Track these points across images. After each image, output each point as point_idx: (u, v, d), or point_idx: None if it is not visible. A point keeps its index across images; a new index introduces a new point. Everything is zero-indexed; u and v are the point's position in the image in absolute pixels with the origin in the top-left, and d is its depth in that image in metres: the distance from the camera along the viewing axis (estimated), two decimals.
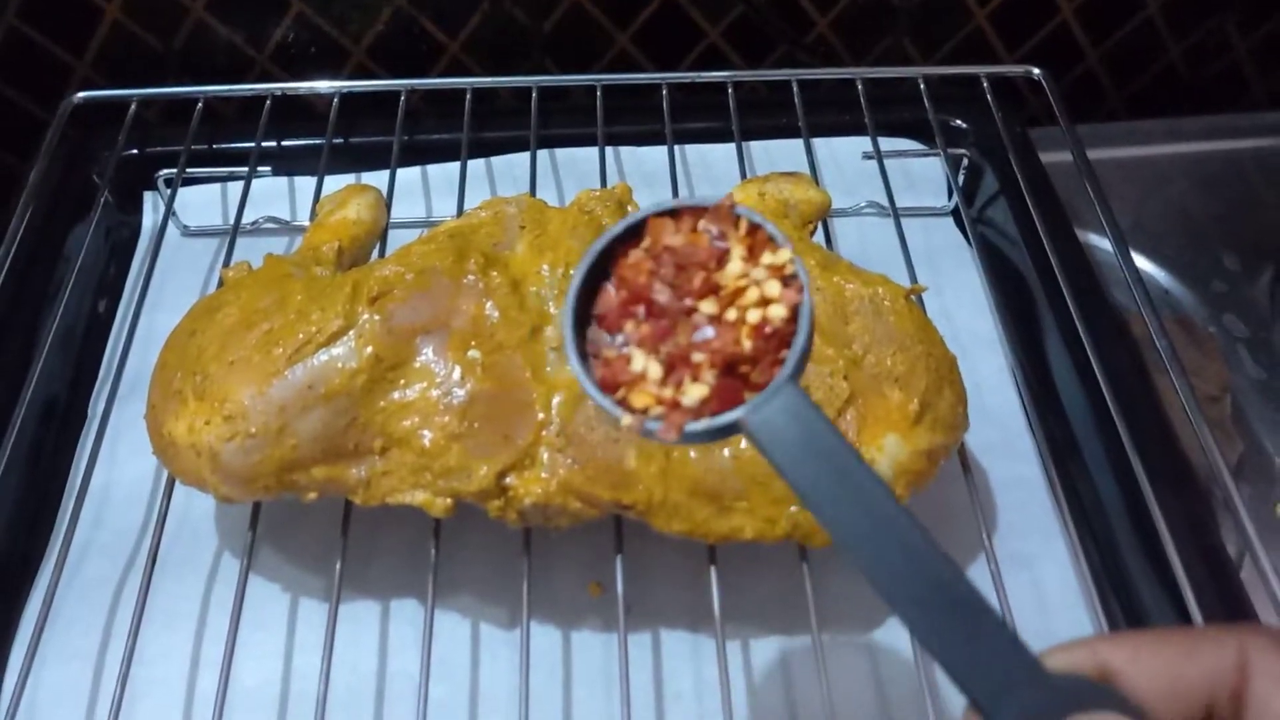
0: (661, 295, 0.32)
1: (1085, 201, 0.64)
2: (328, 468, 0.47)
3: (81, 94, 0.66)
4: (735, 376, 0.31)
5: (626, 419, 0.31)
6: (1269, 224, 0.75)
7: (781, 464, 0.30)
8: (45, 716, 0.49)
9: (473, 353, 0.47)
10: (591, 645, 0.52)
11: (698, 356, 0.31)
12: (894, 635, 0.52)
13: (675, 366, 0.31)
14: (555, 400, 0.47)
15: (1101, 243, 0.72)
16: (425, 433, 0.46)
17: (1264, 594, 0.48)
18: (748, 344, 0.31)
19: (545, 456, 0.46)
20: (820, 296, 0.50)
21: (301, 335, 0.47)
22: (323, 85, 0.68)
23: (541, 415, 0.47)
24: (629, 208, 0.53)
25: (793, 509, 0.47)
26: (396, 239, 0.62)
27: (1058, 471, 0.55)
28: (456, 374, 0.47)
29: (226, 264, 0.61)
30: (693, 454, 0.46)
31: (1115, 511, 0.55)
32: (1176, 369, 0.55)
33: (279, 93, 0.67)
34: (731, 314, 0.31)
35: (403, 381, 0.47)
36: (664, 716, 0.50)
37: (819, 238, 0.61)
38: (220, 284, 0.54)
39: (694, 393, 0.31)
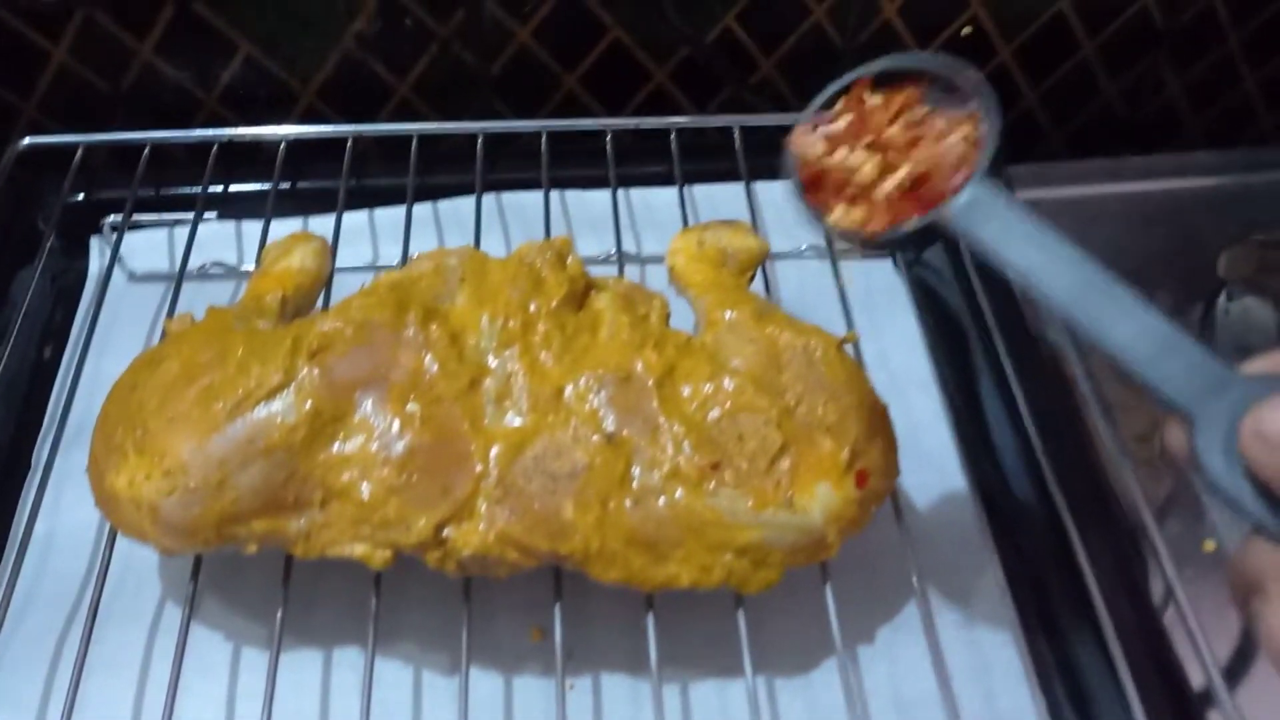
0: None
1: None
2: (268, 520, 0.48)
3: (28, 139, 0.67)
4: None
5: (835, 217, 0.44)
6: (1201, 262, 0.77)
7: (988, 242, 0.38)
8: None
9: (411, 406, 0.48)
10: (532, 690, 0.52)
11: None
12: (826, 676, 0.53)
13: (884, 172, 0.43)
14: (493, 451, 0.48)
15: None
16: (364, 485, 0.47)
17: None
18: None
19: (483, 508, 0.47)
20: (755, 348, 0.51)
21: (241, 390, 0.48)
22: (270, 131, 0.69)
23: (479, 467, 0.48)
24: (568, 259, 0.54)
25: (727, 556, 0.48)
26: (342, 283, 0.63)
27: (989, 513, 0.56)
28: (395, 427, 0.48)
29: (172, 310, 0.61)
30: (628, 503, 0.47)
31: (1044, 553, 0.57)
32: (1101, 412, 0.57)
33: (226, 139, 0.68)
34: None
35: (342, 435, 0.48)
36: None
37: (759, 281, 0.63)
38: (164, 335, 0.55)
39: (897, 176, 0.43)
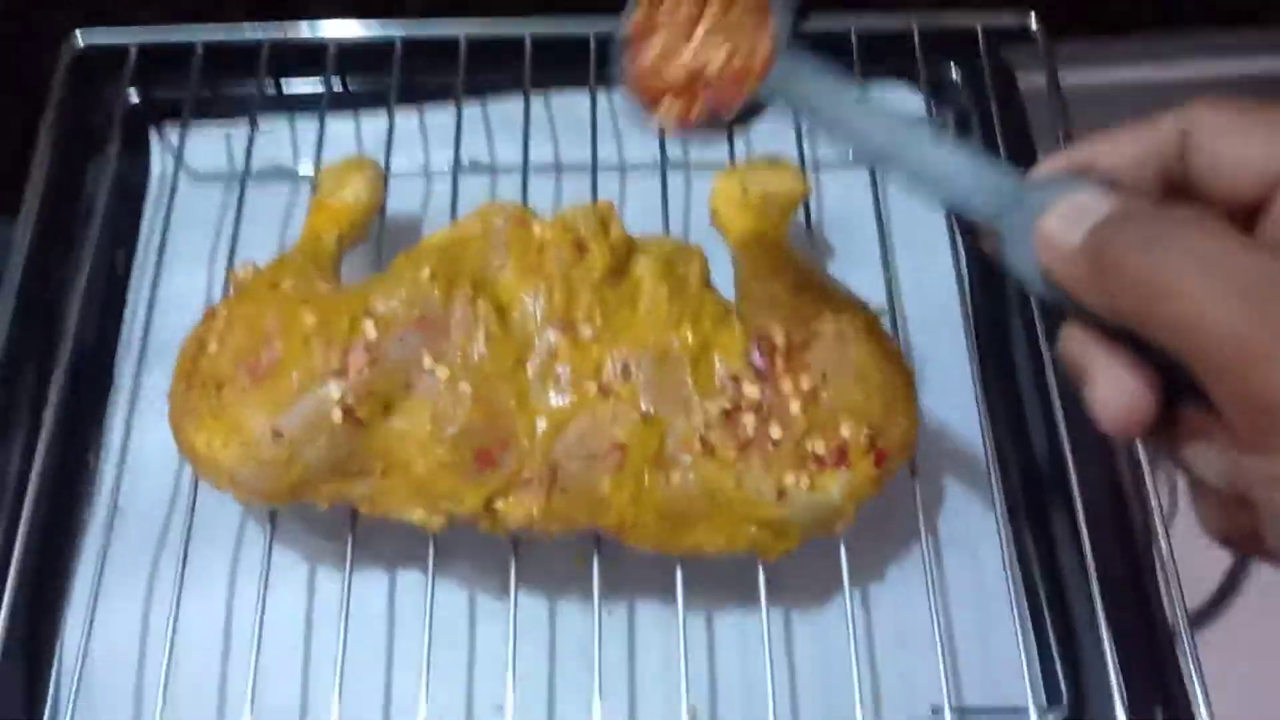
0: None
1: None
2: (335, 485, 0.53)
3: (82, 40, 0.67)
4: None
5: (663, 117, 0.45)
6: None
7: (806, 108, 0.41)
8: (101, 679, 0.57)
9: (463, 386, 0.52)
10: (574, 614, 0.59)
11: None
12: (837, 610, 0.58)
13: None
14: (538, 429, 0.52)
15: None
16: (419, 461, 0.52)
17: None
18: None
19: (528, 483, 0.52)
20: (787, 325, 0.53)
21: (305, 370, 0.51)
22: (319, 33, 0.68)
23: (525, 443, 0.52)
24: (611, 226, 0.55)
25: (751, 529, 0.53)
26: (397, 189, 0.65)
27: (999, 459, 0.59)
28: (448, 406, 0.51)
29: (238, 217, 0.64)
30: (661, 479, 0.52)
31: (1046, 495, 0.61)
32: None
33: (276, 38, 0.68)
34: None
35: (398, 414, 0.52)
36: (635, 680, 0.58)
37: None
38: (226, 284, 0.58)
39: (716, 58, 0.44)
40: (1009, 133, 0.67)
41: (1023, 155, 0.67)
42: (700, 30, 0.45)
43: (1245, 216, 0.33)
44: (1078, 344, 0.34)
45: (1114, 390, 0.33)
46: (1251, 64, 0.80)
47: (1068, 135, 0.65)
